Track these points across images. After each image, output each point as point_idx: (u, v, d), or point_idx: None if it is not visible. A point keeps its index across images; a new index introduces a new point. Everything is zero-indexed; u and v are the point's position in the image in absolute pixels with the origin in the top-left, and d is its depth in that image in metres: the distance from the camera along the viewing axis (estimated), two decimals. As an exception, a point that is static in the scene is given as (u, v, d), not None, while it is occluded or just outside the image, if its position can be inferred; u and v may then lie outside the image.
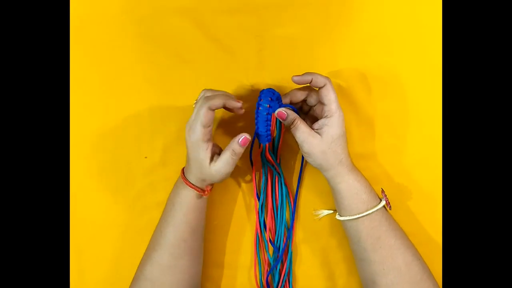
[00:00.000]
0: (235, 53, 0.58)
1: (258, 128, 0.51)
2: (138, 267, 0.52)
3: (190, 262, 0.51)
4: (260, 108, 0.50)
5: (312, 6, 0.57)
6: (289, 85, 0.58)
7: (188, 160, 0.50)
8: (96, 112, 0.59)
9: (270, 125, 0.51)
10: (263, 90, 0.51)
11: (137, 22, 0.59)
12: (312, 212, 0.57)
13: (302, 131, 0.48)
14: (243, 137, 0.48)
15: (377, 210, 0.49)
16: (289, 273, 0.56)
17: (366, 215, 0.48)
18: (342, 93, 0.57)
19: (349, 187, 0.49)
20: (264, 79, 0.58)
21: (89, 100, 0.59)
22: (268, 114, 0.50)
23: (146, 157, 0.58)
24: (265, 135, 0.51)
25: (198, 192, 0.50)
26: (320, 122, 0.49)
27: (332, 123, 0.48)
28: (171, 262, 0.50)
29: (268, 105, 0.50)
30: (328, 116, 0.49)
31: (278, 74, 0.58)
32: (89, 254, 0.58)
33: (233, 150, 0.48)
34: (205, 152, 0.48)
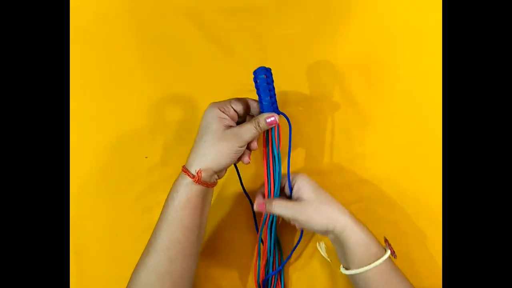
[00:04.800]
0: (235, 53, 0.58)
1: (262, 98, 0.49)
2: (133, 273, 0.48)
3: (186, 266, 0.48)
4: (258, 81, 0.48)
5: (312, 6, 0.57)
6: (289, 85, 0.58)
7: (195, 142, 0.48)
8: (96, 112, 0.59)
9: (273, 93, 0.49)
10: (256, 69, 0.49)
11: (137, 22, 0.59)
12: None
13: (285, 207, 0.48)
14: (273, 118, 0.47)
15: (385, 261, 0.46)
16: (279, 277, 0.56)
17: (374, 267, 0.45)
18: (342, 92, 0.57)
19: (358, 240, 0.46)
20: (264, 79, 0.57)
21: (89, 99, 0.59)
22: (268, 84, 0.48)
23: (146, 157, 0.58)
24: (270, 102, 0.49)
25: (189, 178, 0.46)
26: (293, 193, 0.49)
27: (302, 183, 0.48)
28: (167, 267, 0.47)
29: (265, 75, 0.48)
30: (293, 183, 0.49)
31: (278, 74, 0.58)
32: (89, 254, 0.58)
33: (258, 122, 0.47)
34: (219, 120, 0.47)
